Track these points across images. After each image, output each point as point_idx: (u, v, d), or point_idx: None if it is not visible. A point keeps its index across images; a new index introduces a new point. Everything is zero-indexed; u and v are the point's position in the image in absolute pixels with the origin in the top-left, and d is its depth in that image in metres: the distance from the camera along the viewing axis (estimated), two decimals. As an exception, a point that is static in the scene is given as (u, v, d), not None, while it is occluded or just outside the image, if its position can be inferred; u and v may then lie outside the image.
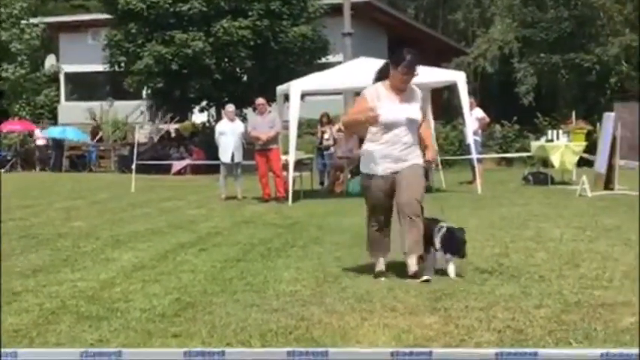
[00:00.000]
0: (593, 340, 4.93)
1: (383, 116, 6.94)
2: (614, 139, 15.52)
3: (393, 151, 7.00)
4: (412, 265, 6.90)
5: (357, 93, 24.32)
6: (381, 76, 7.23)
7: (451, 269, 7.03)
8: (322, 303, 6.08)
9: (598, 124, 18.32)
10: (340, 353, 2.38)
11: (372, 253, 7.31)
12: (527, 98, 31.33)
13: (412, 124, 7.11)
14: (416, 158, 7.14)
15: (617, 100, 26.32)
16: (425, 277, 6.77)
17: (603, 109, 20.52)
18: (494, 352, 2.34)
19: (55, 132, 32.12)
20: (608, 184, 15.57)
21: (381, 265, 7.18)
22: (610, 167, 15.65)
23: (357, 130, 7.03)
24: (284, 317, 5.64)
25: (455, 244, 7.08)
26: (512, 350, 2.41)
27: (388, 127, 6.99)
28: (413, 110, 7.14)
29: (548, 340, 4.97)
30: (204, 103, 28.58)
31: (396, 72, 7.09)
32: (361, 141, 18.08)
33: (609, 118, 16.13)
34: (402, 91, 7.15)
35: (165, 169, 25.62)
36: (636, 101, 25.12)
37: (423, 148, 7.36)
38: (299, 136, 20.64)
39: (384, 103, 7.03)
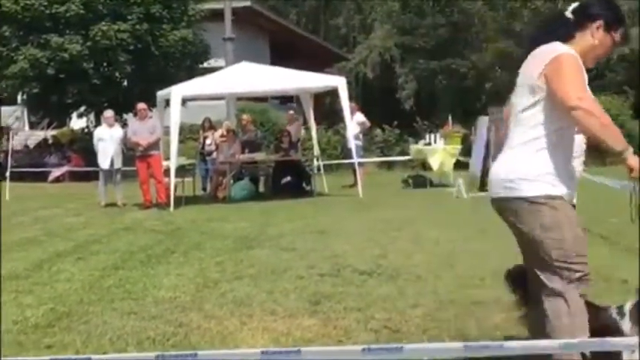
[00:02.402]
0: (467, 337, 5.10)
1: None
2: (488, 142, 16.04)
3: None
4: None
5: (240, 98, 24.48)
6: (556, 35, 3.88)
7: None
8: (201, 309, 6.05)
9: (473, 128, 18.91)
10: (210, 355, 2.37)
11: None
12: (408, 103, 32.04)
13: None
14: None
15: (492, 104, 27.23)
16: None
17: (479, 113, 21.17)
18: (360, 348, 2.38)
19: None
20: (483, 185, 16.08)
21: None
22: (485, 169, 16.16)
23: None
24: (162, 324, 5.58)
25: None
26: (380, 346, 2.46)
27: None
28: None
29: (423, 338, 5.11)
30: (82, 109, 27.85)
31: (607, 36, 3.90)
32: (243, 146, 18.01)
33: (484, 121, 16.68)
34: None
35: (43, 177, 24.81)
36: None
37: None
38: (181, 141, 20.40)
39: None
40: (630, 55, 31.58)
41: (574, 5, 3.92)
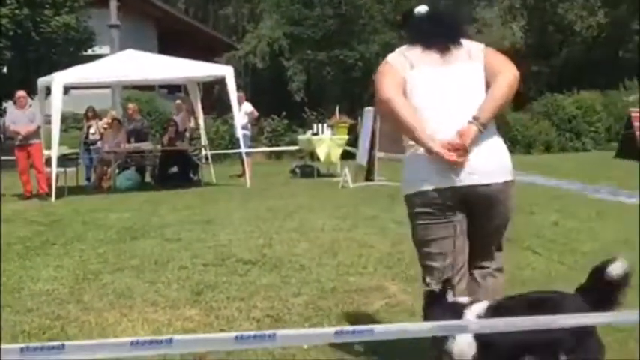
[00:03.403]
0: (345, 323, 5.17)
1: None
2: (373, 132, 16.27)
3: None
4: None
5: (126, 86, 23.98)
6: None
7: None
8: (80, 301, 5.93)
9: (360, 119, 19.14)
10: (77, 346, 2.33)
11: None
12: (299, 95, 32.15)
13: None
14: None
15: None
16: None
17: (365, 104, 21.43)
18: (233, 336, 2.39)
19: None
20: (368, 175, 16.34)
21: None
22: (370, 160, 16.42)
23: None
24: (38, 317, 5.44)
25: None
26: (253, 333, 2.47)
27: None
28: None
29: (305, 326, 5.15)
30: (-42, 96, 26.71)
31: None
32: (129, 136, 17.67)
33: (369, 112, 16.89)
34: None
35: None
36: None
37: None
38: (64, 130, 19.85)
39: None
40: (510, 50, 32.64)
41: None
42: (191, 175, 17.49)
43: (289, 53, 32.46)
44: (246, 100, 19.50)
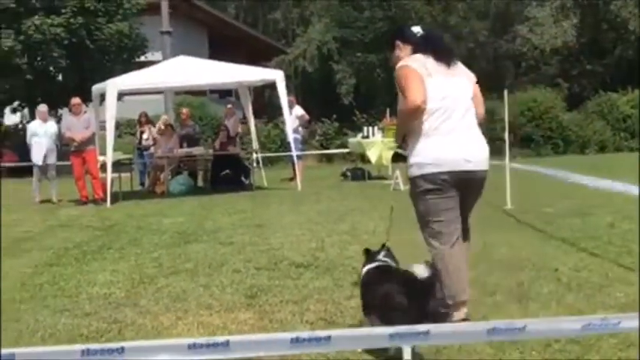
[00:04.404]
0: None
1: None
2: (425, 134, 16.15)
3: None
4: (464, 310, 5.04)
5: (178, 92, 24.26)
6: None
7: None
8: (136, 304, 6.00)
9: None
10: (136, 347, 2.36)
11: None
12: (348, 98, 32.17)
13: None
14: None
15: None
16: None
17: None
18: (288, 337, 2.39)
19: None
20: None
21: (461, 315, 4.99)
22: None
23: None
24: (96, 321, 5.52)
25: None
26: (309, 335, 2.48)
27: None
28: None
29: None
30: (16, 104, 27.30)
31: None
32: (181, 141, 17.89)
33: (420, 114, 16.77)
34: None
35: (-25, 174, 24.23)
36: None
37: None
38: (119, 136, 20.20)
39: None
40: (562, 49, 32.26)
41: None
42: (243, 179, 17.60)
43: (338, 56, 32.50)
44: (297, 103, 19.60)
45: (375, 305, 4.58)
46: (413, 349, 4.10)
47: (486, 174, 5.01)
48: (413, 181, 5.02)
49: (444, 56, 5.00)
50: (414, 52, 5.04)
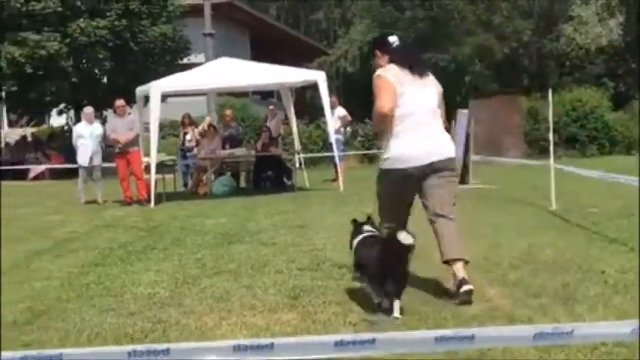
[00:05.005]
0: (443, 328, 5.11)
1: None
2: (467, 135, 16.07)
3: None
4: (460, 270, 5.94)
5: (220, 93, 24.42)
6: None
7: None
8: (180, 304, 6.04)
9: (453, 121, 18.92)
10: (182, 348, 2.37)
11: None
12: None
13: None
14: None
15: (471, 97, 27.34)
16: (469, 287, 5.80)
17: (459, 106, 21.17)
18: (332, 340, 2.39)
19: None
20: (463, 178, 16.12)
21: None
22: (465, 163, 16.21)
23: None
24: (140, 320, 5.57)
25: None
26: (353, 338, 2.47)
27: None
28: None
29: (403, 330, 5.12)
30: (62, 106, 27.72)
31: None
32: (224, 142, 18.02)
33: (463, 115, 16.70)
34: None
35: (22, 175, 24.66)
36: (489, 98, 26.17)
37: None
38: (162, 137, 20.39)
39: None
40: (608, 47, 31.83)
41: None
42: (285, 180, 17.65)
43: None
44: (339, 104, 19.59)
45: (366, 267, 5.66)
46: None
47: (452, 162, 6.05)
48: (382, 171, 6.07)
49: (417, 68, 5.89)
50: (391, 61, 5.85)
